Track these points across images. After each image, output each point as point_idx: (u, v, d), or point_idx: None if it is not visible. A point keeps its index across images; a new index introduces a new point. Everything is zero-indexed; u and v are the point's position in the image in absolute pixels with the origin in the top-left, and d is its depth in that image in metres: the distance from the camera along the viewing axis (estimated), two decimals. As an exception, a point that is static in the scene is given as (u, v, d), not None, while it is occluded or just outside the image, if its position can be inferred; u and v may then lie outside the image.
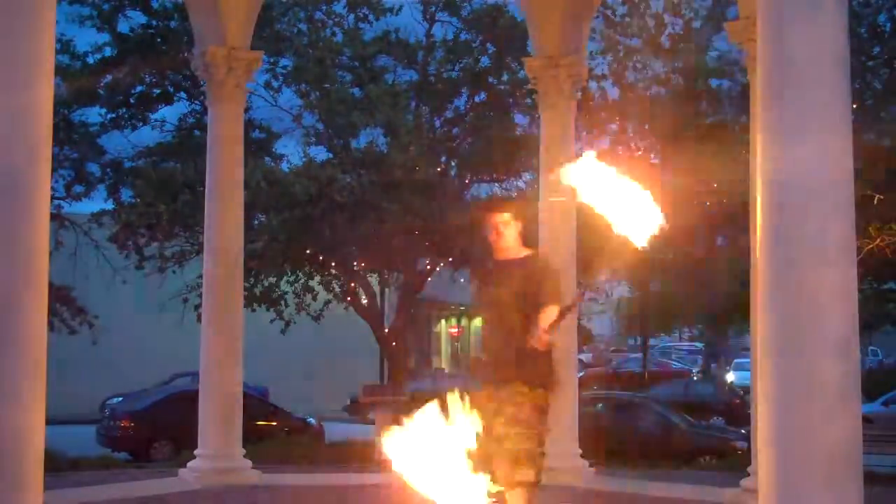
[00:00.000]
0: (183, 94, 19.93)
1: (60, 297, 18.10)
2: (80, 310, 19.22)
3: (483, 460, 4.94)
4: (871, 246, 14.92)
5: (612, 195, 5.21)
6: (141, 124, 20.08)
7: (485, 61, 20.46)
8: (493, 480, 5.38)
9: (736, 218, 18.45)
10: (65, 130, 18.62)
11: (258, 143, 19.15)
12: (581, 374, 25.27)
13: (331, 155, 19.80)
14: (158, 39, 19.14)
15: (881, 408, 23.14)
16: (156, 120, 20.22)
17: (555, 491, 9.73)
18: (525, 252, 6.06)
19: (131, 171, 19.66)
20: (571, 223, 10.45)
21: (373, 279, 20.86)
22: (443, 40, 20.50)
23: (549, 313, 5.68)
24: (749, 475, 8.92)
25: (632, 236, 5.16)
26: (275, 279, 19.41)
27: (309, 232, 18.06)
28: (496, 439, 5.60)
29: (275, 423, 18.71)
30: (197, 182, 15.48)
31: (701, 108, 22.30)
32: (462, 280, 22.43)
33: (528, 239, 6.24)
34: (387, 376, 22.13)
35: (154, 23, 19.25)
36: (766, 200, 5.25)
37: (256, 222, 18.08)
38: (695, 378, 33.55)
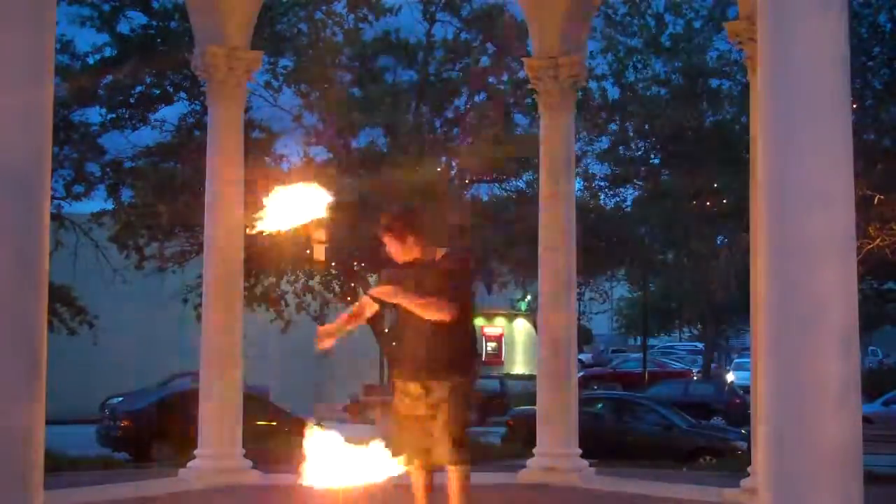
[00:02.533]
0: (183, 94, 19.90)
1: (60, 297, 18.09)
2: (80, 310, 19.21)
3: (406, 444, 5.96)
4: (871, 246, 14.95)
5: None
6: (141, 124, 20.04)
7: (485, 61, 20.45)
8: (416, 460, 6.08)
9: (736, 218, 18.46)
10: (65, 130, 18.59)
11: (258, 143, 19.12)
12: (581, 374, 25.29)
13: (331, 155, 19.79)
14: (158, 39, 19.11)
15: (881, 408, 23.19)
16: (156, 120, 20.19)
17: (555, 491, 9.75)
18: (441, 252, 6.25)
19: (131, 171, 19.64)
20: (571, 224, 10.46)
21: (373, 279, 20.85)
22: (443, 40, 20.50)
23: (431, 310, 5.97)
24: (749, 475, 8.92)
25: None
26: (275, 279, 19.40)
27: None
28: (437, 426, 6.06)
29: (275, 423, 18.70)
30: (197, 182, 15.46)
31: (701, 108, 22.32)
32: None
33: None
34: (387, 376, 22.11)
35: (154, 23, 19.22)
36: (766, 200, 5.25)
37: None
38: (695, 378, 33.59)
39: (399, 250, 6.21)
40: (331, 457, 5.25)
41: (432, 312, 5.94)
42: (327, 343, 6.32)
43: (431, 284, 5.99)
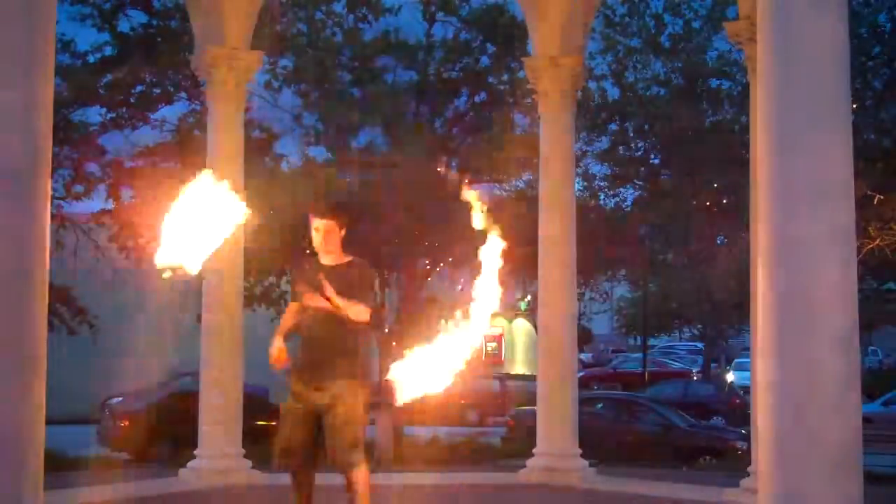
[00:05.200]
0: (183, 94, 19.89)
1: (60, 297, 18.08)
2: (80, 310, 19.20)
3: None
4: (871, 246, 14.94)
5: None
6: (141, 124, 20.03)
7: (485, 61, 20.45)
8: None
9: (736, 218, 18.45)
10: (65, 130, 18.58)
11: (258, 143, 19.11)
12: (581, 374, 25.29)
13: (331, 155, 19.77)
14: (159, 39, 19.10)
15: (881, 408, 23.16)
16: (156, 120, 20.18)
17: (555, 491, 9.75)
18: (347, 258, 6.20)
19: (131, 171, 19.63)
20: (571, 224, 10.46)
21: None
22: (443, 40, 20.49)
23: (360, 311, 5.98)
24: (749, 475, 8.92)
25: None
26: (275, 279, 19.39)
27: (309, 232, 18.02)
28: (332, 429, 6.00)
29: (275, 423, 18.65)
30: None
31: (701, 108, 22.31)
32: (462, 280, 22.41)
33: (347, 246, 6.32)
34: (384, 376, 22.13)
35: (154, 22, 19.21)
36: (766, 200, 5.25)
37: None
38: (695, 378, 33.56)
39: (329, 242, 6.08)
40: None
41: (360, 314, 5.96)
42: (283, 363, 6.19)
43: (345, 288, 5.94)
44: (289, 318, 6.39)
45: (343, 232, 6.13)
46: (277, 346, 6.17)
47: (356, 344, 6.17)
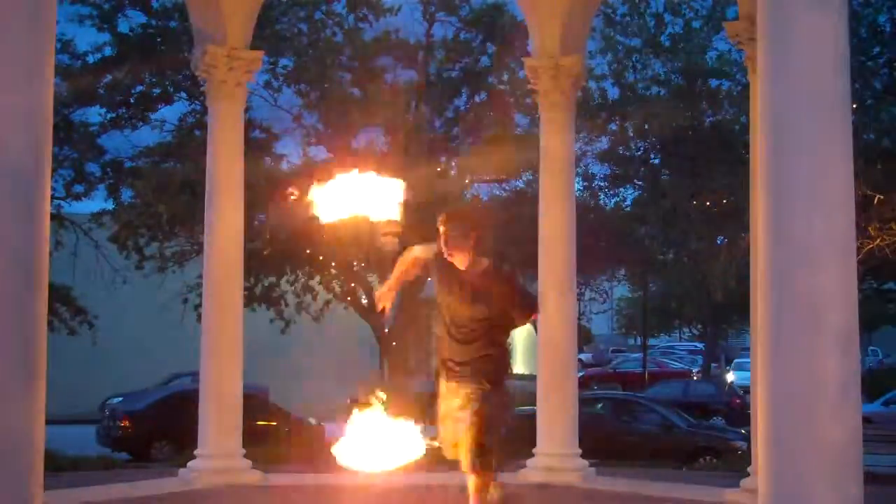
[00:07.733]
0: (183, 94, 19.91)
1: (60, 297, 18.11)
2: (80, 310, 19.23)
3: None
4: (871, 246, 14.95)
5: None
6: (141, 124, 20.06)
7: (485, 61, 20.47)
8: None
9: (736, 218, 18.47)
10: (65, 130, 18.61)
11: (258, 143, 19.13)
12: (581, 374, 25.30)
13: (331, 155, 19.79)
14: (158, 39, 19.12)
15: (881, 408, 23.16)
16: (156, 120, 20.21)
17: (555, 491, 9.74)
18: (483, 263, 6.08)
19: (131, 171, 19.65)
20: (571, 224, 10.45)
21: (373, 279, 20.85)
22: (443, 40, 20.51)
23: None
24: (749, 475, 8.92)
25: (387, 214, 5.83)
26: (275, 279, 19.41)
27: (309, 232, 18.04)
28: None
29: (275, 423, 18.71)
30: (197, 182, 15.47)
31: (701, 108, 22.34)
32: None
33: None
34: (387, 376, 22.14)
35: (154, 22, 19.24)
36: (766, 200, 5.25)
37: (256, 222, 18.07)
38: (695, 378, 33.58)
39: (466, 257, 5.94)
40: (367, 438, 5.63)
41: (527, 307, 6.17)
42: (387, 301, 6.29)
43: (495, 293, 5.98)
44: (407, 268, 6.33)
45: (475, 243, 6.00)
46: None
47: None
